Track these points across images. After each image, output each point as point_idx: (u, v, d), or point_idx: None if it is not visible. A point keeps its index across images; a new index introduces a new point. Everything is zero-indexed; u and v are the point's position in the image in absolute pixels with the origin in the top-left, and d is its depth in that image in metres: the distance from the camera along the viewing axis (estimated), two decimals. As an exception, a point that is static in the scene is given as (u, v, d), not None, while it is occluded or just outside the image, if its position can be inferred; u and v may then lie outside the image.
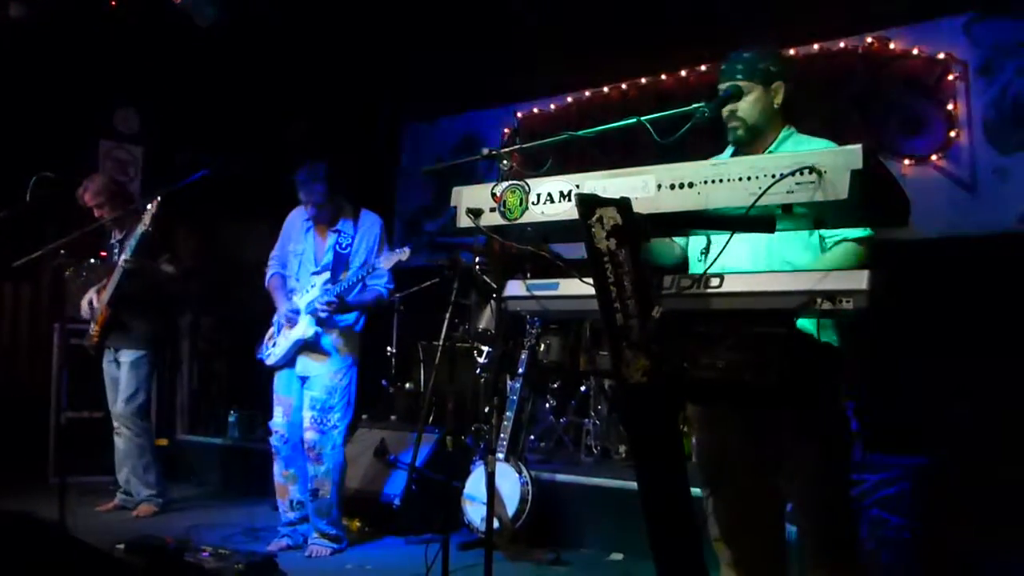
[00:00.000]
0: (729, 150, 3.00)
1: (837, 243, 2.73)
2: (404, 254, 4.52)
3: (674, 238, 2.98)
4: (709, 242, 2.82)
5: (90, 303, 5.57)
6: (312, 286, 4.68)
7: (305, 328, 4.62)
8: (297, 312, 4.66)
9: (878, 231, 2.68)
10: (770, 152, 2.84)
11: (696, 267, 2.90)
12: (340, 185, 4.79)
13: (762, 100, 2.85)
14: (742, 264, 2.71)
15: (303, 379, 4.71)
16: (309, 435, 4.64)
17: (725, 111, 2.84)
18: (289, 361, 4.72)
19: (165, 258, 5.46)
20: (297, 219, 4.92)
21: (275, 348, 4.74)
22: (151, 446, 5.63)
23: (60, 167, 4.88)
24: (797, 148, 2.83)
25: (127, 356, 5.51)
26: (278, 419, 4.76)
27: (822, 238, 2.76)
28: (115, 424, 5.60)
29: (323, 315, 4.59)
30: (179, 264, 5.52)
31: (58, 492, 4.28)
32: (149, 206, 5.09)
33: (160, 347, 5.75)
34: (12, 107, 6.43)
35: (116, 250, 5.53)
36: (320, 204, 4.68)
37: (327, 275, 4.66)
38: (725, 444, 2.84)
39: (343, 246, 4.74)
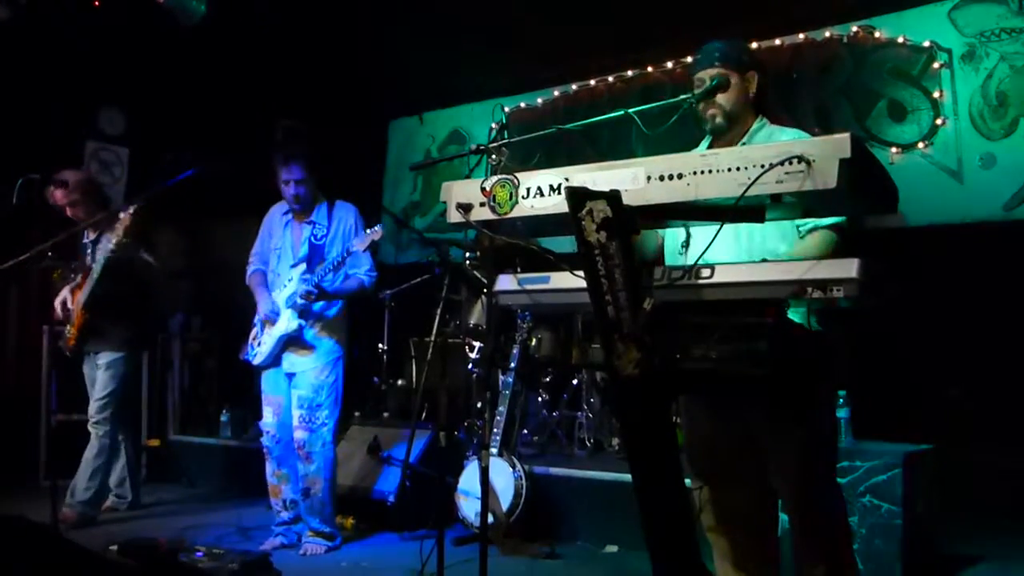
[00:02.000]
0: (705, 143, 3.00)
1: (810, 231, 2.74)
2: (377, 233, 4.49)
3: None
4: (689, 235, 2.83)
5: (63, 303, 5.48)
6: (290, 280, 4.66)
7: (288, 322, 4.61)
8: (277, 311, 4.66)
9: (865, 219, 2.68)
10: (744, 143, 2.84)
11: (675, 260, 2.90)
12: (319, 177, 4.78)
13: (739, 89, 2.86)
14: (721, 254, 2.70)
15: (290, 376, 4.70)
16: (298, 434, 4.63)
17: (702, 101, 2.84)
18: (275, 359, 4.71)
19: (141, 251, 5.36)
20: (276, 214, 4.91)
21: (260, 347, 4.72)
22: (108, 451, 5.41)
23: (45, 169, 4.85)
24: (770, 138, 2.84)
25: (104, 358, 5.38)
26: (268, 419, 4.75)
27: (796, 226, 2.77)
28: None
29: (302, 304, 4.58)
30: (158, 254, 5.43)
31: (49, 494, 4.27)
32: (122, 214, 4.95)
33: (139, 349, 5.66)
34: (-4, 108, 6.41)
35: (89, 251, 5.42)
36: (300, 181, 4.66)
37: (303, 267, 4.65)
38: (716, 435, 2.85)
39: (318, 237, 4.73)
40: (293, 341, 4.65)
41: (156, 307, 5.99)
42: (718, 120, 2.85)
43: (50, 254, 4.55)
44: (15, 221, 4.62)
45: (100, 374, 5.39)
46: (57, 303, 5.46)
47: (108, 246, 5.02)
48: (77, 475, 5.35)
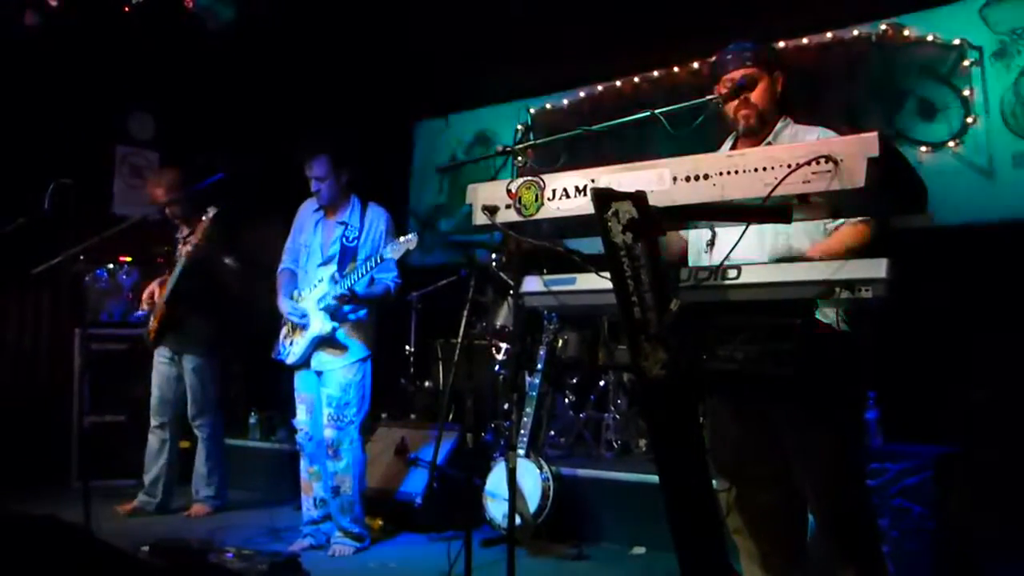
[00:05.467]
0: (728, 143, 2.99)
1: (838, 227, 2.73)
2: (412, 242, 4.50)
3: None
4: (714, 235, 2.82)
5: (151, 295, 5.62)
6: (320, 280, 4.70)
7: (322, 324, 4.64)
8: (305, 315, 4.69)
9: (893, 219, 2.66)
10: (769, 142, 2.84)
11: (700, 260, 2.90)
12: (347, 176, 4.82)
13: (769, 88, 2.86)
14: (747, 254, 2.69)
15: (318, 374, 4.74)
16: (327, 432, 4.68)
17: (733, 102, 2.84)
18: (308, 359, 4.75)
19: (224, 255, 5.50)
20: (308, 210, 4.96)
21: (293, 347, 4.77)
22: (218, 450, 5.72)
23: (76, 173, 4.91)
24: (795, 138, 2.83)
25: (191, 362, 5.59)
26: (302, 416, 4.80)
27: (824, 226, 2.76)
28: (154, 422, 5.68)
29: (334, 306, 4.62)
30: (240, 257, 5.56)
31: (81, 495, 4.31)
32: (204, 217, 5.16)
33: (221, 347, 5.81)
34: (28, 114, 6.48)
35: (179, 246, 5.56)
36: (320, 178, 4.71)
37: (333, 267, 4.67)
38: (743, 437, 2.83)
39: (350, 239, 4.76)
40: (325, 341, 4.69)
41: (234, 307, 6.06)
42: (752, 121, 2.85)
43: (81, 258, 4.61)
44: (47, 226, 4.67)
45: (190, 378, 5.61)
46: (145, 295, 5.65)
47: (189, 247, 5.27)
48: (195, 477, 5.66)
